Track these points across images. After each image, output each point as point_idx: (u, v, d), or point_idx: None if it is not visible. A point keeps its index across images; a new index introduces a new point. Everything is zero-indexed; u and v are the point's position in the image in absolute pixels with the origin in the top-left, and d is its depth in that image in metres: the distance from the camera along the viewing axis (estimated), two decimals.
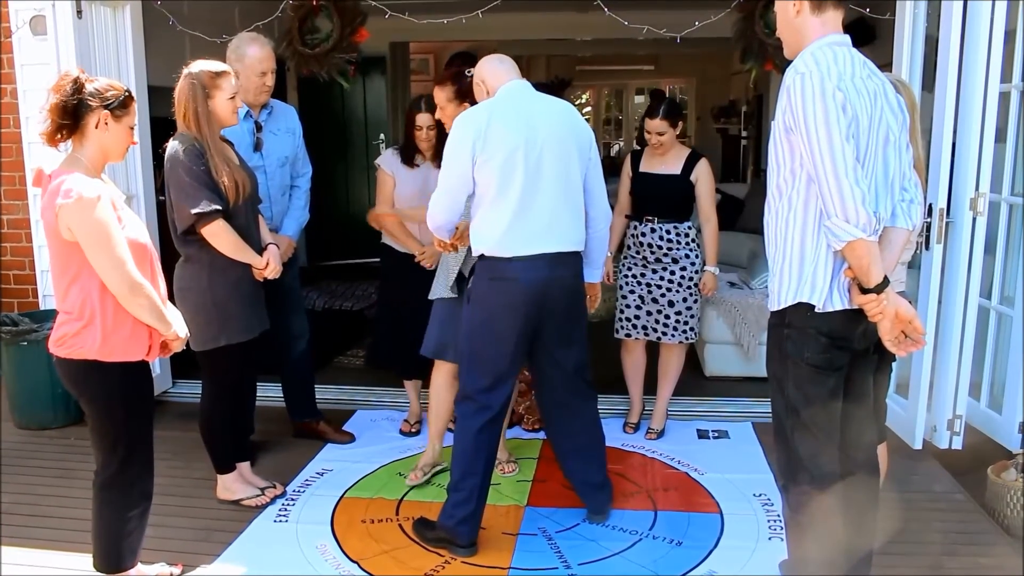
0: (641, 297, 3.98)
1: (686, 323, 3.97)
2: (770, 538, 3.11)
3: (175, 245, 3.16)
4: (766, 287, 5.00)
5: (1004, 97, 3.58)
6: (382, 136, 8.35)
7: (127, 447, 2.57)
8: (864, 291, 2.13)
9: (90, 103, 2.42)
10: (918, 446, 3.67)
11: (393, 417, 4.31)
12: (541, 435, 4.03)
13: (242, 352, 3.27)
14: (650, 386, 4.20)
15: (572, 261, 3.04)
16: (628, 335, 4.05)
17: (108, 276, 2.40)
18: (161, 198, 4.64)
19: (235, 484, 3.40)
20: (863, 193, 2.07)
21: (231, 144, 3.24)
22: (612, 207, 4.11)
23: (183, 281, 3.15)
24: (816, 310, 2.21)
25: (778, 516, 3.21)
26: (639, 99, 14.27)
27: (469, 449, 2.99)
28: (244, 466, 3.47)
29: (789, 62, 2.24)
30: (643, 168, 3.99)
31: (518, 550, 3.07)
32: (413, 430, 4.16)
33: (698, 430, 4.17)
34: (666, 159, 3.92)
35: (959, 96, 3.45)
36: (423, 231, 3.93)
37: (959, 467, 3.61)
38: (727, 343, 4.82)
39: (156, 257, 2.61)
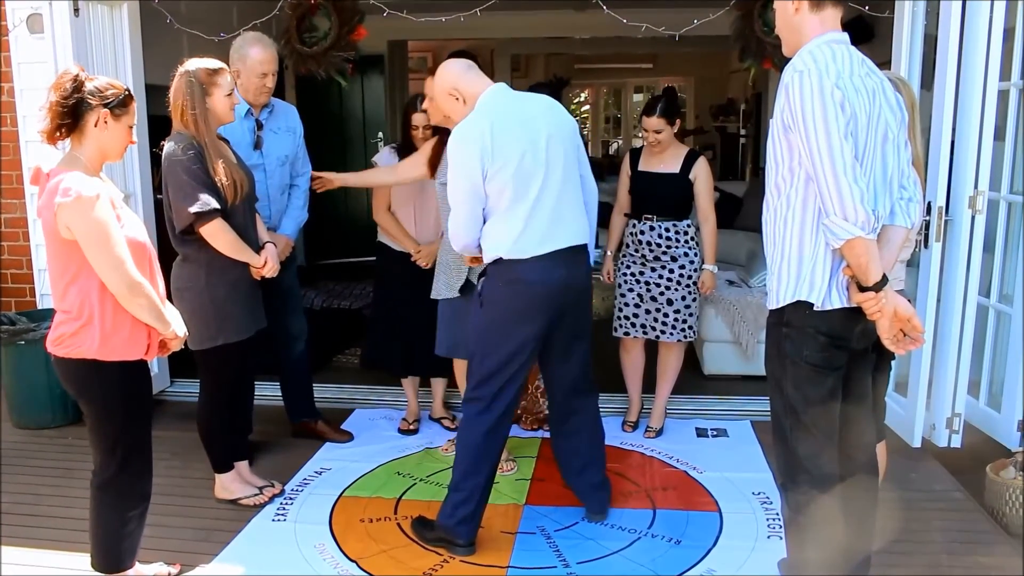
0: (640, 295, 3.98)
1: (684, 321, 3.97)
2: (769, 537, 3.10)
3: (173, 244, 3.15)
4: (765, 285, 5.00)
5: (1003, 95, 3.58)
6: (380, 135, 8.34)
7: (126, 447, 2.56)
8: (863, 289, 2.13)
9: (90, 102, 2.41)
10: (917, 444, 3.67)
11: (391, 416, 4.31)
12: (540, 434, 4.03)
13: (240, 351, 3.26)
14: (649, 385, 4.20)
15: (583, 258, 3.04)
16: (627, 333, 4.05)
17: (107, 275, 2.39)
18: (159, 197, 4.64)
19: (233, 483, 3.40)
20: (862, 191, 2.06)
21: (228, 142, 3.23)
22: (611, 206, 4.14)
23: (181, 280, 3.14)
24: (815, 309, 2.20)
25: (777, 515, 3.21)
26: (638, 97, 14.27)
27: (474, 450, 2.98)
28: (242, 465, 3.47)
29: (788, 60, 2.23)
30: (642, 167, 3.98)
31: (517, 549, 3.07)
32: (412, 428, 4.16)
33: (697, 428, 4.16)
34: (664, 158, 3.92)
35: (958, 94, 3.45)
36: (420, 229, 3.94)
37: (958, 466, 3.60)
38: (726, 342, 4.82)
39: (155, 256, 2.61)
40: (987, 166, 3.46)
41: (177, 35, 4.60)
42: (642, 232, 3.96)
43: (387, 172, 3.85)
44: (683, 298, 3.94)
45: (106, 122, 2.44)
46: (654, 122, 3.83)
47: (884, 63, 3.22)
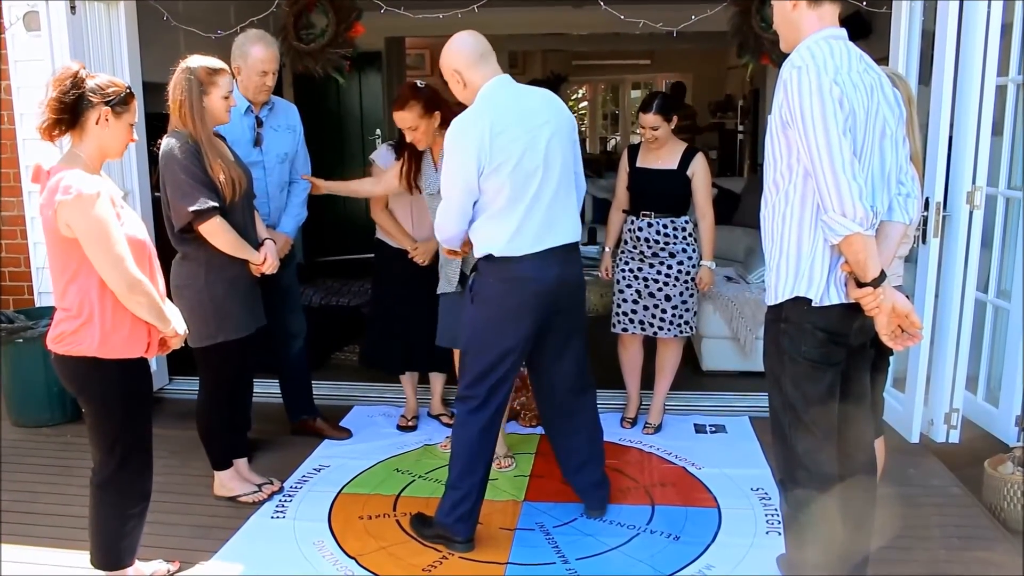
0: (638, 292, 3.98)
1: (681, 317, 3.97)
2: (767, 533, 3.11)
3: (172, 242, 3.15)
4: (763, 282, 5.01)
5: (1001, 91, 3.58)
6: (378, 132, 8.33)
7: (125, 445, 2.56)
8: (861, 285, 2.13)
9: (91, 99, 2.41)
10: (915, 440, 3.68)
11: (390, 413, 4.31)
12: (538, 431, 4.03)
13: (239, 349, 3.26)
14: (647, 381, 4.20)
15: (576, 256, 3.04)
16: (625, 329, 4.05)
17: (107, 273, 2.39)
18: (156, 195, 4.63)
19: (232, 481, 3.40)
20: (860, 187, 2.06)
21: (225, 139, 3.22)
22: (609, 202, 4.14)
23: (180, 278, 3.13)
24: (813, 305, 2.20)
25: (775, 511, 3.21)
26: (636, 94, 14.26)
27: (469, 447, 2.98)
28: (241, 463, 3.47)
29: (785, 56, 2.23)
30: (640, 163, 3.98)
31: (516, 545, 3.07)
32: (410, 425, 4.16)
33: (695, 425, 4.17)
34: (663, 154, 3.92)
35: (956, 89, 3.45)
36: (417, 226, 3.94)
37: (956, 461, 3.61)
38: (724, 338, 4.83)
39: (154, 254, 2.60)
40: (985, 162, 3.47)
41: (174, 33, 4.59)
42: (640, 228, 3.96)
43: (372, 183, 3.90)
44: (681, 294, 3.94)
45: (107, 120, 2.44)
46: (651, 119, 3.83)
47: (882, 59, 3.22)
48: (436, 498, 3.13)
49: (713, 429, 4.12)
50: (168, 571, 2.87)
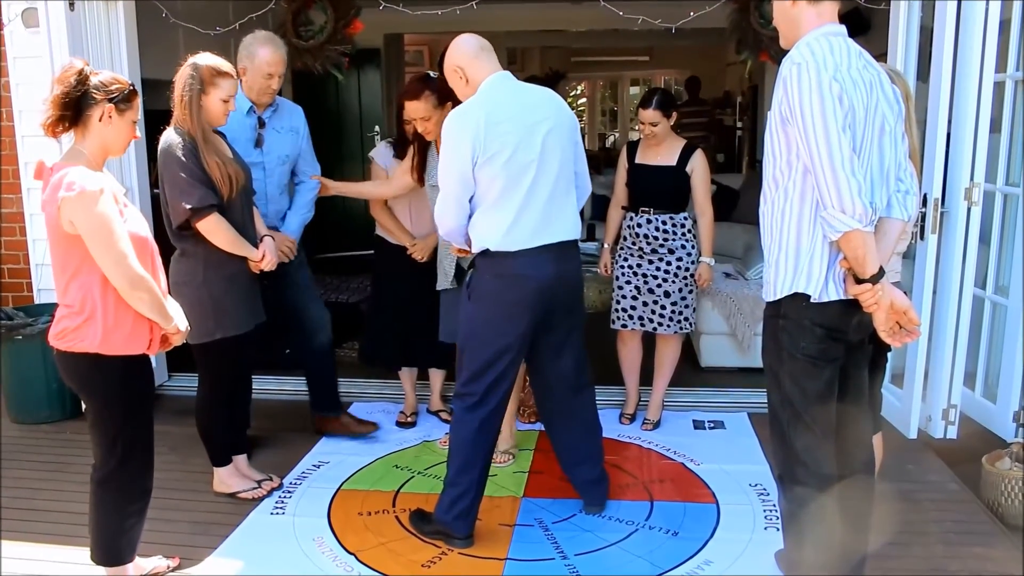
0: (637, 288, 3.99)
1: (681, 313, 3.97)
2: (766, 528, 3.11)
3: (170, 239, 3.15)
4: (762, 278, 5.01)
5: (999, 87, 3.59)
6: (377, 128, 8.33)
7: (127, 442, 2.56)
8: (859, 281, 2.14)
9: (94, 96, 2.41)
10: (913, 436, 3.69)
11: (389, 409, 4.31)
12: (537, 427, 4.03)
13: (238, 345, 3.26)
14: (646, 377, 4.20)
15: (574, 253, 3.04)
16: (624, 326, 4.05)
17: (110, 270, 2.39)
18: (156, 191, 4.63)
19: (231, 477, 3.40)
20: (859, 184, 2.07)
21: (224, 137, 3.22)
22: (608, 199, 4.14)
23: (179, 275, 3.13)
24: (812, 301, 2.21)
25: (774, 506, 3.22)
26: (634, 91, 14.26)
27: (467, 445, 2.98)
28: (240, 459, 3.47)
29: (784, 53, 2.24)
30: (639, 159, 3.98)
31: (515, 541, 3.08)
32: (409, 421, 4.16)
33: (694, 421, 4.18)
34: (662, 150, 3.92)
35: (954, 86, 3.46)
36: (415, 223, 3.94)
37: (954, 457, 3.61)
38: (722, 334, 4.83)
39: (156, 251, 2.61)
40: (983, 158, 3.47)
41: (173, 29, 4.59)
42: (639, 225, 3.96)
43: (382, 185, 3.89)
44: (680, 291, 3.95)
45: (111, 117, 2.45)
46: (650, 114, 3.83)
47: (880, 55, 3.22)
48: (435, 494, 3.13)
49: (712, 425, 4.13)
50: (168, 567, 2.88)
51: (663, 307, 3.96)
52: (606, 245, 4.18)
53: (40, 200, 2.48)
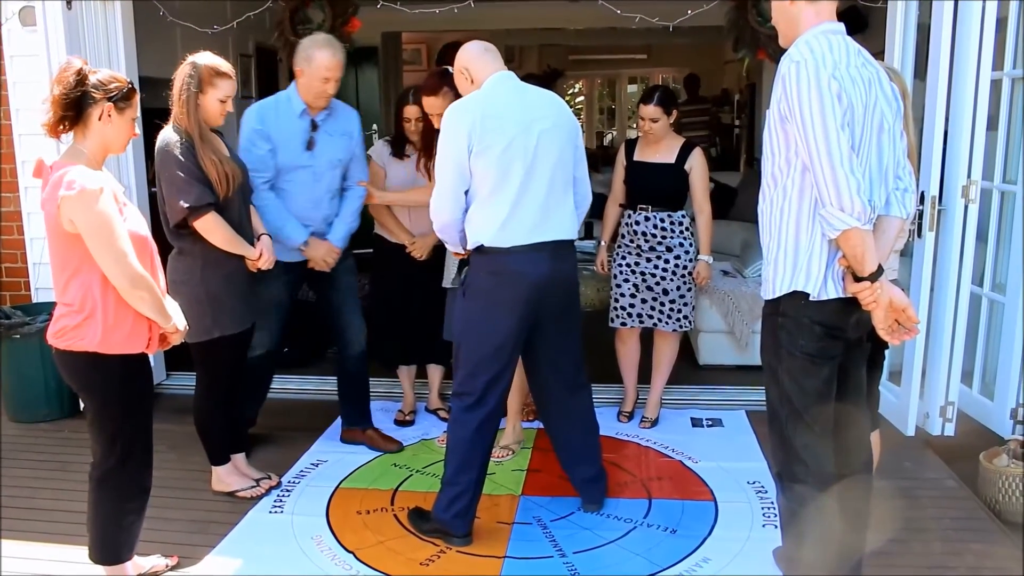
0: (635, 286, 3.99)
1: (679, 311, 3.98)
2: (764, 526, 3.12)
3: (168, 238, 3.15)
4: (760, 276, 5.02)
5: (996, 85, 3.59)
6: (375, 127, 8.33)
7: (126, 441, 2.56)
8: (858, 279, 2.14)
9: (94, 95, 2.41)
10: (911, 433, 3.70)
11: (387, 408, 4.30)
12: (536, 425, 4.03)
13: (236, 343, 3.26)
14: (644, 375, 4.21)
15: (569, 253, 3.04)
16: (623, 324, 4.06)
17: (109, 269, 2.39)
18: (153, 190, 4.63)
19: (229, 476, 3.40)
20: (858, 182, 2.07)
21: (221, 136, 3.22)
22: (606, 196, 4.14)
23: (176, 274, 3.13)
24: (811, 299, 2.21)
25: (772, 504, 3.23)
26: (632, 89, 14.26)
27: (465, 444, 2.98)
28: (239, 458, 3.47)
29: (782, 51, 2.24)
30: (637, 157, 3.98)
31: (513, 539, 3.08)
32: (408, 420, 4.16)
33: (692, 419, 4.18)
34: (660, 148, 3.92)
35: (951, 84, 3.46)
36: (414, 221, 3.94)
37: (951, 454, 3.62)
38: (721, 332, 4.83)
39: (156, 250, 2.61)
40: (980, 156, 3.47)
41: (170, 27, 4.59)
42: (637, 223, 3.96)
43: (425, 190, 3.74)
44: (678, 288, 3.95)
45: (110, 115, 2.44)
46: (651, 110, 3.83)
47: (877, 53, 3.23)
48: (434, 492, 3.14)
49: (710, 423, 4.13)
50: (166, 566, 2.88)
51: (662, 304, 3.97)
52: (603, 243, 4.18)
53: (39, 199, 2.48)
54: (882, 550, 2.78)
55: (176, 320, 2.60)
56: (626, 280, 4.01)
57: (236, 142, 3.45)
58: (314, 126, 3.53)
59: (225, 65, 3.09)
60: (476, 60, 2.99)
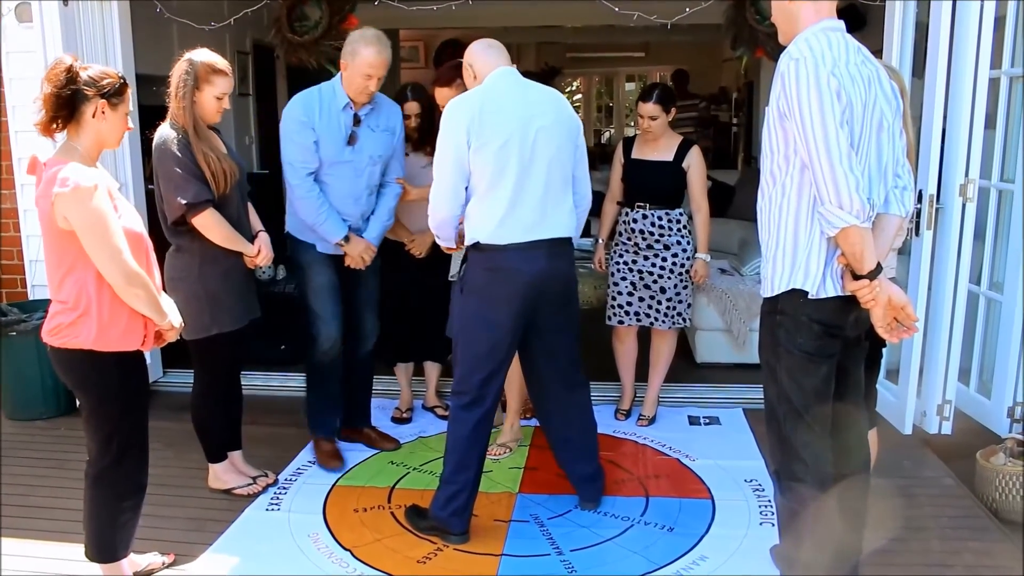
0: (633, 284, 3.99)
1: (675, 309, 3.98)
2: (761, 524, 3.12)
3: (165, 235, 3.14)
4: (757, 274, 5.03)
5: (994, 83, 3.59)
6: None
7: (122, 438, 2.55)
8: (857, 277, 2.14)
9: (86, 92, 2.40)
10: (908, 431, 3.70)
11: (384, 405, 4.29)
12: (533, 423, 4.03)
13: (234, 341, 3.26)
14: (641, 373, 4.21)
15: (566, 251, 3.04)
16: (621, 322, 4.05)
17: (104, 266, 2.38)
18: (150, 187, 4.61)
19: (226, 474, 3.40)
20: (857, 180, 2.07)
21: (218, 133, 3.21)
22: (603, 194, 4.14)
23: (174, 271, 3.12)
24: (809, 297, 2.20)
25: (769, 502, 3.23)
26: (630, 87, 14.24)
27: (464, 442, 2.98)
28: (236, 455, 3.46)
29: (780, 49, 2.23)
30: (635, 155, 3.98)
31: (510, 537, 3.08)
32: (405, 417, 4.16)
33: (689, 417, 4.18)
34: (658, 146, 3.92)
35: (949, 82, 3.46)
36: (412, 219, 3.93)
37: (948, 452, 3.63)
38: (718, 330, 4.83)
39: (151, 247, 2.60)
40: (978, 154, 3.47)
41: (167, 24, 4.57)
42: (635, 220, 3.96)
43: None
44: (675, 286, 3.95)
45: (103, 112, 2.43)
46: (650, 108, 3.83)
47: (875, 52, 3.22)
48: (430, 490, 3.14)
49: (707, 421, 4.13)
50: (163, 563, 2.88)
51: (659, 303, 3.96)
52: (601, 241, 4.18)
53: (34, 195, 2.47)
54: (880, 548, 2.78)
55: (172, 317, 2.59)
56: (624, 278, 4.00)
57: (233, 140, 3.44)
58: (356, 120, 3.46)
59: (222, 62, 3.08)
60: (479, 56, 3.00)
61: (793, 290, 2.22)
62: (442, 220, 2.98)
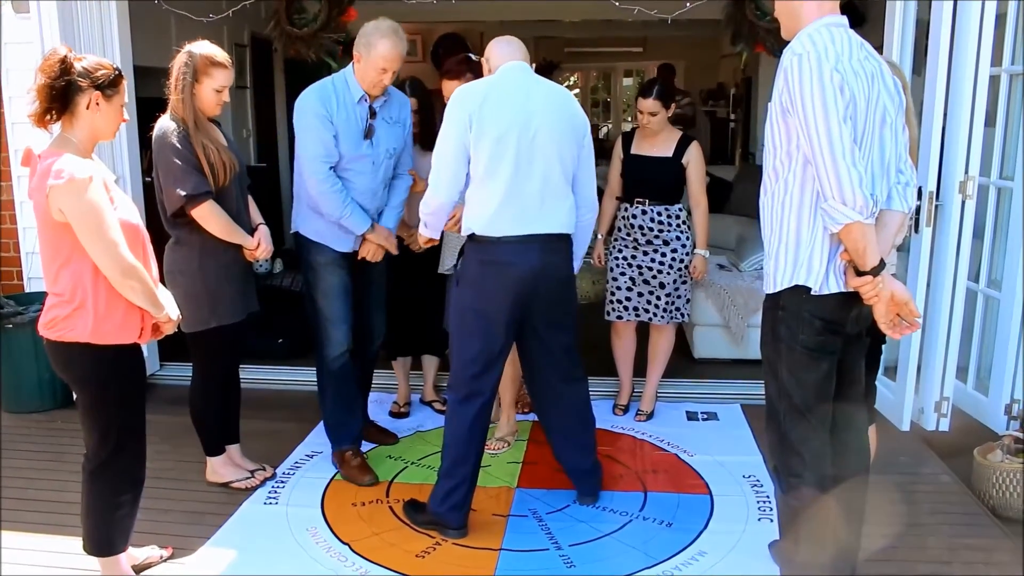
0: (632, 279, 3.98)
1: (674, 304, 3.98)
2: (759, 520, 3.12)
3: (165, 227, 3.13)
4: (756, 270, 5.04)
5: (993, 81, 3.59)
6: None
7: (119, 432, 2.54)
8: (860, 274, 2.13)
9: (80, 84, 2.38)
10: (905, 428, 3.70)
11: (382, 399, 4.29)
12: (530, 417, 4.03)
13: (232, 334, 3.24)
14: (639, 368, 4.21)
15: (563, 246, 3.03)
16: (619, 317, 4.05)
17: (100, 258, 2.37)
18: (147, 179, 4.60)
19: (224, 467, 3.39)
20: (860, 175, 2.06)
21: (219, 124, 3.20)
22: (602, 190, 4.13)
23: (173, 264, 3.11)
24: (812, 293, 2.20)
25: (767, 498, 3.23)
26: (628, 82, 14.23)
27: (462, 436, 2.98)
28: (233, 449, 3.46)
29: (780, 44, 2.23)
30: (634, 150, 3.98)
31: (509, 531, 3.08)
32: (402, 411, 4.16)
33: (687, 412, 4.18)
34: (657, 141, 3.92)
35: (950, 80, 3.46)
36: (411, 213, 3.92)
37: (946, 449, 3.64)
38: (715, 326, 4.83)
39: (148, 239, 2.58)
40: (978, 152, 3.47)
41: (165, 17, 4.55)
42: (634, 216, 3.95)
43: None
44: (675, 282, 3.95)
45: (98, 104, 2.42)
46: (650, 104, 3.82)
47: (876, 48, 3.22)
48: (428, 484, 3.14)
49: (705, 416, 4.13)
50: (161, 557, 2.87)
51: (658, 298, 3.96)
52: (600, 236, 4.17)
53: (28, 187, 2.45)
54: (878, 545, 2.79)
55: (168, 310, 2.58)
56: (623, 273, 4.00)
57: (231, 133, 3.42)
58: (372, 113, 3.37)
59: (221, 55, 3.07)
60: (494, 48, 3.03)
61: (796, 286, 2.22)
62: (439, 206, 2.96)
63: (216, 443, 3.38)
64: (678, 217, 3.94)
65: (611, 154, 4.19)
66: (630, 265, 3.98)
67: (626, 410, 4.18)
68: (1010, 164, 3.75)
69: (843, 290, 2.20)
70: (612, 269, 4.04)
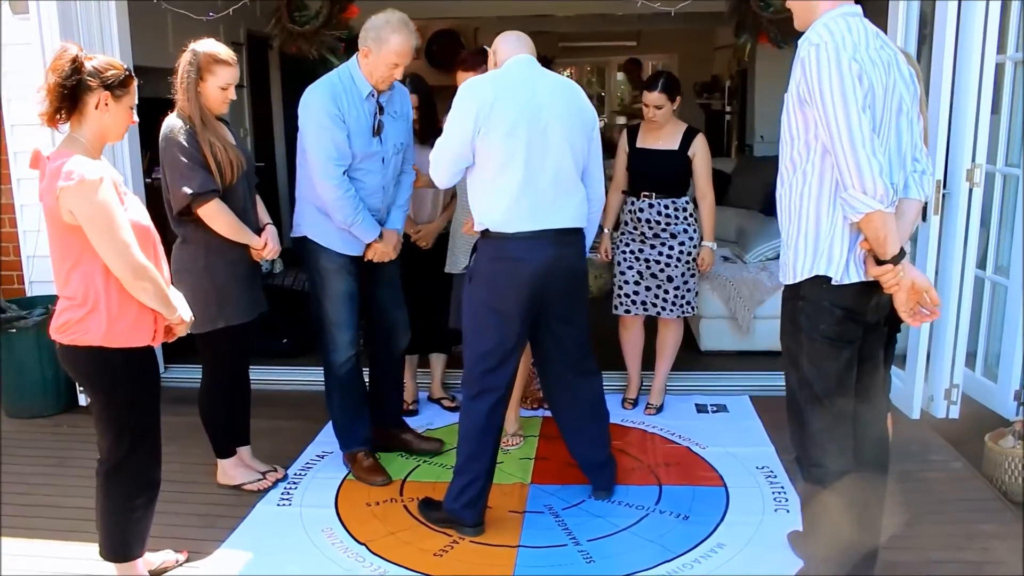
0: (640, 273, 3.97)
1: (683, 297, 3.97)
2: (776, 510, 3.12)
3: (171, 226, 3.10)
4: (760, 261, 5.03)
5: (999, 69, 3.58)
6: None
7: (134, 434, 2.53)
8: (880, 263, 2.13)
9: (90, 84, 2.35)
10: (916, 416, 3.71)
11: None
12: (540, 413, 4.03)
13: (240, 334, 3.23)
14: (648, 362, 4.20)
15: (575, 240, 3.02)
16: (627, 311, 4.04)
17: (112, 260, 2.35)
18: (148, 180, 4.57)
19: (235, 469, 3.37)
20: (880, 164, 2.06)
21: (227, 122, 3.17)
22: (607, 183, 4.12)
23: (180, 263, 3.09)
24: (832, 283, 2.20)
25: (782, 488, 3.24)
26: (621, 76, 14.21)
27: (476, 432, 2.97)
28: (244, 450, 3.44)
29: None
30: (640, 144, 3.96)
31: (526, 528, 3.07)
32: (411, 409, 4.14)
33: (696, 405, 4.18)
34: (663, 135, 3.90)
35: (955, 68, 3.45)
36: (417, 210, 3.91)
37: (956, 436, 3.64)
38: (722, 318, 4.83)
39: (158, 239, 2.56)
40: (984, 140, 3.47)
41: (162, 15, 4.52)
42: (641, 210, 3.94)
43: None
44: (683, 275, 3.94)
45: (107, 104, 2.39)
46: (655, 97, 3.81)
47: None
48: (442, 482, 3.12)
49: (715, 409, 4.13)
50: (176, 562, 2.85)
51: (666, 292, 3.95)
52: (606, 230, 4.15)
53: (38, 190, 2.42)
54: (894, 532, 2.78)
55: (181, 311, 2.56)
56: (630, 267, 3.99)
57: (239, 129, 3.40)
58: (380, 109, 3.29)
59: (225, 52, 3.04)
60: (501, 42, 3.01)
61: (816, 276, 2.21)
62: (438, 180, 3.01)
63: (226, 445, 3.36)
64: (685, 210, 3.93)
65: (612, 148, 4.16)
66: (637, 259, 3.97)
67: (635, 404, 4.17)
68: (1015, 151, 3.76)
69: (863, 279, 2.19)
70: (619, 263, 4.03)
